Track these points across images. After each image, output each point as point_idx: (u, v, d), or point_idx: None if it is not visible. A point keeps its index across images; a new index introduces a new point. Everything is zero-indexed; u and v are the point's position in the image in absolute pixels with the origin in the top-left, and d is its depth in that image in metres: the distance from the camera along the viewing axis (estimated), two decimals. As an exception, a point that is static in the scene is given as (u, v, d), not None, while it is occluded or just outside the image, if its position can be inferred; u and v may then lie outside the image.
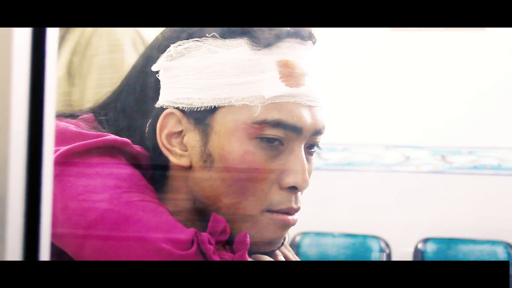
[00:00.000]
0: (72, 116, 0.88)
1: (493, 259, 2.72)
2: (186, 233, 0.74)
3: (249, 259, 0.79)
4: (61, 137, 0.79)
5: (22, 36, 0.48)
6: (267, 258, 0.83)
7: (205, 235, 0.74)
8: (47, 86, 0.49)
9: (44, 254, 0.49)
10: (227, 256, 0.75)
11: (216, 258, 0.73)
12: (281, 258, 0.83)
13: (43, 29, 0.49)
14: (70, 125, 0.83)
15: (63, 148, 0.78)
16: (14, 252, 0.47)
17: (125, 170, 0.80)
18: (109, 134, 0.82)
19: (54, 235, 0.52)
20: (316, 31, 0.82)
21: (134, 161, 0.81)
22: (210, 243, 0.74)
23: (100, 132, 0.83)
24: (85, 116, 0.88)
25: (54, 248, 0.52)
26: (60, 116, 0.87)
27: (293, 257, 0.86)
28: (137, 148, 0.82)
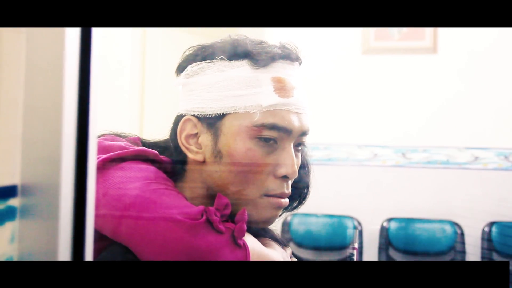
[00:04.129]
0: (121, 136, 0.88)
1: (442, 234, 2.71)
2: (196, 209, 0.74)
3: (249, 235, 0.79)
4: (107, 149, 0.80)
5: (72, 35, 0.47)
6: (269, 241, 0.83)
7: (211, 209, 0.74)
8: (92, 85, 0.49)
9: (89, 255, 0.49)
10: (230, 225, 0.75)
11: (221, 227, 0.73)
12: (272, 247, 0.83)
13: (89, 29, 0.49)
14: (119, 142, 0.83)
15: (106, 155, 0.78)
16: (64, 253, 0.47)
17: (152, 168, 0.80)
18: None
19: (96, 216, 0.51)
20: (303, 53, 0.82)
21: (160, 165, 0.82)
22: (215, 215, 0.74)
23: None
24: (132, 137, 0.89)
25: (95, 232, 0.51)
26: (109, 134, 0.88)
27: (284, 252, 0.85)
28: (162, 157, 0.83)
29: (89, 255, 0.49)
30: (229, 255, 0.73)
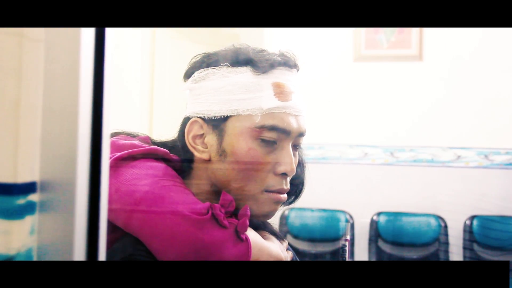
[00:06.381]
0: (131, 135, 0.88)
1: (427, 227, 2.71)
2: (203, 205, 0.74)
3: (250, 229, 0.78)
4: (120, 148, 0.79)
5: (86, 43, 0.46)
6: (267, 235, 0.83)
7: (217, 206, 0.74)
8: (105, 90, 0.48)
9: (102, 246, 0.49)
10: (233, 221, 0.75)
11: (225, 222, 0.73)
12: (271, 240, 0.82)
13: (103, 37, 0.48)
14: (131, 141, 0.83)
15: (119, 153, 0.78)
16: (79, 245, 0.46)
17: (161, 165, 0.80)
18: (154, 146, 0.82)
19: (109, 210, 0.51)
20: (300, 60, 0.81)
21: (170, 163, 0.81)
22: (220, 211, 0.74)
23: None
24: (142, 136, 0.88)
25: (109, 225, 0.51)
26: (122, 134, 0.87)
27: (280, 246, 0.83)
28: (172, 156, 0.82)
29: (102, 247, 0.49)
30: (232, 248, 0.72)
